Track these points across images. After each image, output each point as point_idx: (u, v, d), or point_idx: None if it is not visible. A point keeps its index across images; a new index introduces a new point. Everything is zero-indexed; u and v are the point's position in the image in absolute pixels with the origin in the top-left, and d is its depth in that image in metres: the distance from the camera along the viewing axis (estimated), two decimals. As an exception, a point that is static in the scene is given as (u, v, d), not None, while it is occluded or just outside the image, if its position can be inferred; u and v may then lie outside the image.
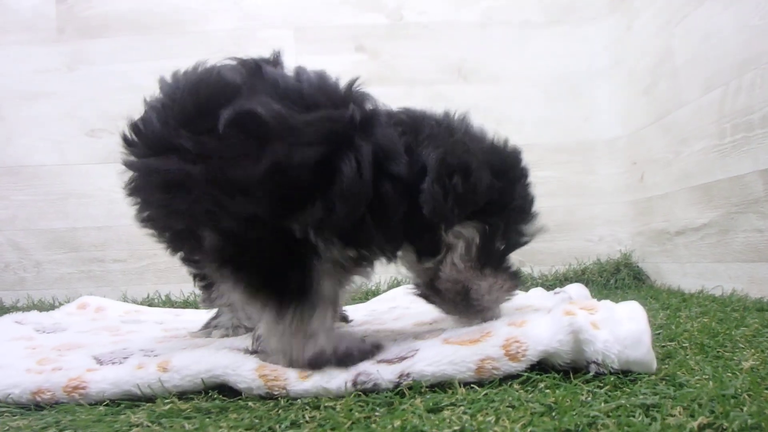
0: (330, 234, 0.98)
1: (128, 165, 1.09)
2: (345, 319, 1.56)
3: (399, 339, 1.17)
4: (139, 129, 1.06)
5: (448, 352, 0.98)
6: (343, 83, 1.05)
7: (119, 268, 2.66)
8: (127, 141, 1.09)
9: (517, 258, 1.21)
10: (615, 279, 2.49)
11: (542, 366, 1.01)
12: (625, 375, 0.96)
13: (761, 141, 1.78)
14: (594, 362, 0.97)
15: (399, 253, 1.13)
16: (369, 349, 1.04)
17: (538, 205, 1.20)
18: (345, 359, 0.98)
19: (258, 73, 1.00)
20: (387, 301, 2.14)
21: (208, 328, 1.51)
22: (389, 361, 0.99)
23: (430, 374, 0.94)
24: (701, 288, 2.11)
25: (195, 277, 1.44)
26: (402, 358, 1.00)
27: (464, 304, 1.14)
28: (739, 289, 1.93)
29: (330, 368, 0.97)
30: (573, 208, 2.69)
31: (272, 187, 0.93)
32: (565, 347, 0.99)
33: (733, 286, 1.96)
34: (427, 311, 1.39)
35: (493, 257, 1.13)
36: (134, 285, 2.65)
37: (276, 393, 0.95)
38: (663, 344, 1.21)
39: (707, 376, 0.94)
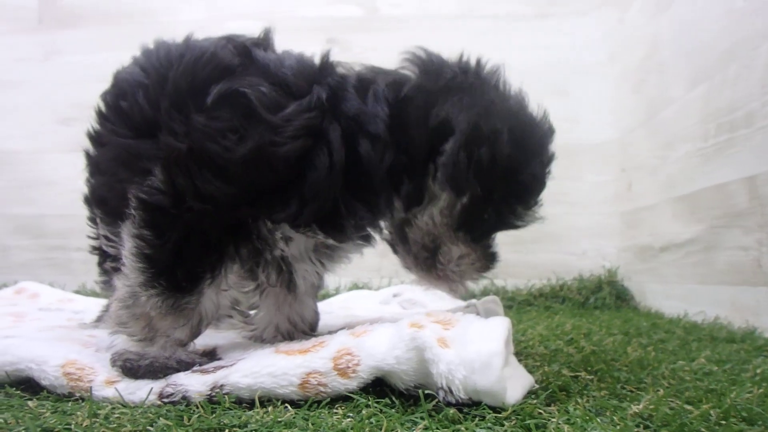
0: (304, 226, 0.95)
1: (99, 143, 1.09)
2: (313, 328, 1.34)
3: (252, 348, 1.03)
4: (120, 108, 1.04)
5: (268, 362, 0.86)
6: (317, 61, 1.03)
7: (80, 257, 2.52)
8: (104, 118, 1.07)
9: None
10: (595, 298, 2.23)
11: (383, 387, 0.85)
12: (472, 407, 0.78)
13: (745, 143, 1.52)
14: (440, 388, 0.79)
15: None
16: (193, 360, 0.95)
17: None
18: (159, 371, 0.91)
19: (249, 55, 1.00)
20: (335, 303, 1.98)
21: (100, 320, 1.42)
22: (205, 371, 0.89)
23: (245, 386, 0.82)
24: (684, 313, 1.84)
25: (106, 258, 1.32)
26: (219, 368, 0.89)
27: (427, 264, 1.03)
28: (722, 316, 1.66)
29: (141, 377, 0.90)
30: (554, 217, 2.40)
31: (250, 172, 0.91)
32: (404, 366, 0.82)
33: (717, 312, 1.69)
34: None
35: (475, 226, 1.01)
36: (94, 274, 2.55)
37: (78, 395, 0.89)
38: (574, 373, 1.02)
39: (571, 420, 0.73)
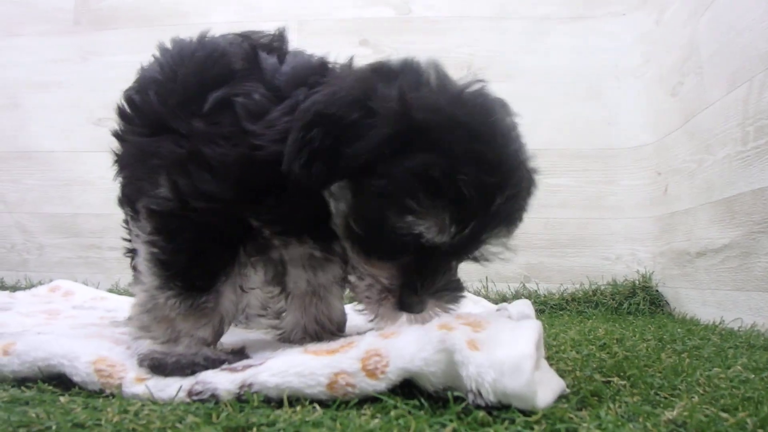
0: (290, 230, 0.97)
1: (121, 139, 1.11)
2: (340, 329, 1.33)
3: (281, 347, 1.04)
4: (135, 103, 1.06)
5: (296, 362, 0.85)
6: (315, 62, 1.02)
7: (114, 256, 2.63)
8: (123, 115, 1.09)
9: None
10: (629, 303, 2.19)
11: (411, 389, 0.85)
12: (501, 410, 0.77)
13: (786, 146, 1.48)
14: (470, 390, 0.78)
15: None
16: (219, 358, 0.95)
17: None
18: (187, 368, 0.92)
19: (255, 59, 1.00)
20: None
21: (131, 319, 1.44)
22: (233, 369, 0.89)
23: (273, 386, 0.82)
24: (720, 319, 1.80)
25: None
26: (248, 366, 0.89)
27: (385, 307, 0.93)
28: (760, 324, 1.63)
29: (170, 374, 0.91)
30: (588, 221, 2.42)
31: (242, 176, 0.91)
32: (432, 367, 0.81)
33: (754, 319, 1.65)
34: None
35: (384, 242, 0.89)
36: (127, 274, 2.61)
37: (108, 392, 0.90)
38: (606, 378, 1.01)
39: (602, 425, 0.73)
